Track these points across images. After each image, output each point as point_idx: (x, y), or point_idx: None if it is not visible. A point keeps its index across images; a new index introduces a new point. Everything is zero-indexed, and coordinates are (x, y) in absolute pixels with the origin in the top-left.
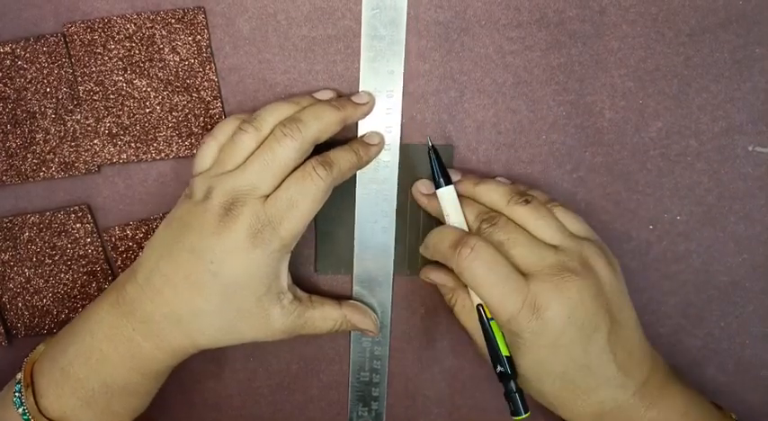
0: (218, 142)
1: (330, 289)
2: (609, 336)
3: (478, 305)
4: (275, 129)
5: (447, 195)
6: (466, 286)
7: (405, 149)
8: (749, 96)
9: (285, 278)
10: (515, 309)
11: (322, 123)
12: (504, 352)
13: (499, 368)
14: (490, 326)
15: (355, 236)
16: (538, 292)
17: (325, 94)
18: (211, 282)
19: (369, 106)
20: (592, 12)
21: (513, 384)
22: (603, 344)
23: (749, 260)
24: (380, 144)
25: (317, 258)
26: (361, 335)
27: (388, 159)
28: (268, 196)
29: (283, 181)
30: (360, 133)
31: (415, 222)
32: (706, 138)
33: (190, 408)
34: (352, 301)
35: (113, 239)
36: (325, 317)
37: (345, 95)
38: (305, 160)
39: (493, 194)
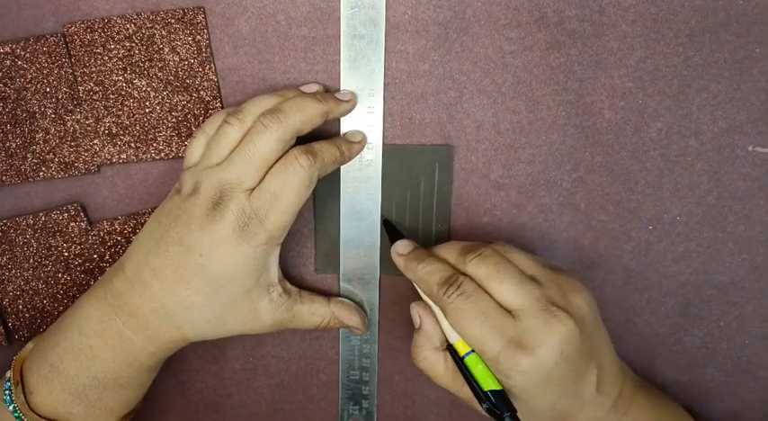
0: (208, 136)
1: (330, 288)
2: (592, 361)
3: (448, 345)
4: (256, 122)
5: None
6: (438, 346)
7: (393, 150)
8: (749, 96)
9: (275, 271)
10: (500, 345)
11: (304, 115)
12: (491, 385)
13: (484, 405)
14: (464, 362)
15: (341, 234)
16: (526, 329)
17: (312, 88)
18: (200, 276)
19: (351, 104)
20: (591, 12)
21: (507, 416)
22: (590, 370)
23: (749, 260)
24: (362, 142)
25: (317, 257)
26: (350, 334)
27: (372, 158)
28: (254, 189)
29: (268, 173)
30: (342, 131)
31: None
32: (706, 138)
33: (190, 408)
34: (340, 298)
35: (101, 234)
36: (312, 312)
37: (331, 92)
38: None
39: (448, 255)
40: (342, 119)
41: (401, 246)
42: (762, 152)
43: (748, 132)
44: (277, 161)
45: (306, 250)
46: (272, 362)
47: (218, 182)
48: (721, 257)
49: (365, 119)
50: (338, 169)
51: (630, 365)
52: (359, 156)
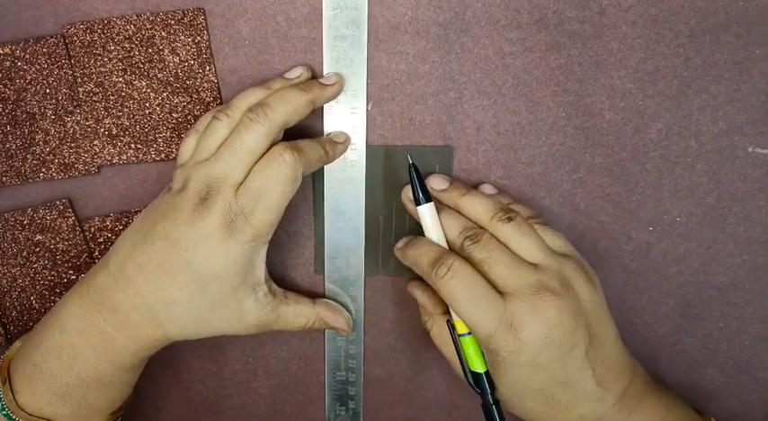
0: (199, 134)
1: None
2: (587, 353)
3: (447, 320)
4: (243, 117)
5: (426, 213)
6: (443, 312)
7: (393, 151)
8: (749, 97)
9: (262, 270)
10: (492, 327)
11: (289, 106)
12: (477, 368)
13: (470, 380)
14: (459, 341)
15: (325, 236)
16: (515, 312)
17: (296, 72)
18: (186, 271)
19: (337, 87)
20: (591, 13)
21: (489, 397)
22: (581, 361)
23: (749, 261)
24: (346, 142)
25: (316, 259)
26: (336, 335)
27: (355, 159)
28: (241, 184)
29: (252, 169)
30: (326, 132)
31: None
32: (706, 139)
33: (190, 409)
34: (325, 300)
35: (92, 230)
36: (298, 313)
37: (316, 77)
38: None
39: (478, 208)
40: (325, 119)
41: (401, 243)
42: (762, 153)
43: (748, 133)
44: (262, 157)
45: (306, 251)
46: (272, 362)
47: (205, 176)
48: (721, 258)
49: (348, 119)
50: (322, 170)
51: None
52: (342, 156)
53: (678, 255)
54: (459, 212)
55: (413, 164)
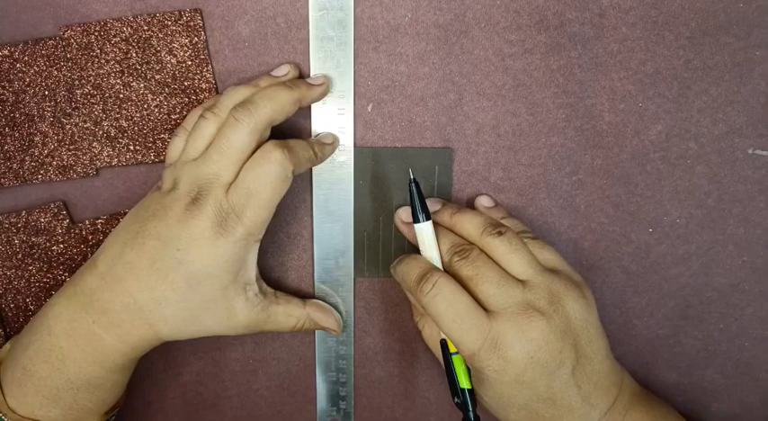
0: (188, 133)
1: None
2: (574, 371)
3: (442, 339)
4: (228, 115)
5: (424, 231)
6: None
7: (393, 153)
8: (749, 99)
9: (253, 269)
10: (476, 346)
11: (275, 104)
12: (464, 384)
13: (456, 399)
14: (452, 360)
15: (314, 236)
16: (500, 331)
17: (282, 70)
18: (177, 270)
19: (324, 87)
20: (591, 14)
21: (470, 415)
22: (567, 378)
23: (748, 263)
24: (334, 144)
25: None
26: (326, 335)
27: (343, 160)
28: (232, 183)
29: (243, 167)
30: (314, 133)
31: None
32: (706, 140)
33: (190, 410)
34: (315, 300)
35: (84, 232)
36: (288, 313)
37: (304, 76)
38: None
39: (468, 224)
40: (313, 120)
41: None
42: (762, 155)
43: (748, 135)
44: (252, 155)
45: (305, 254)
46: (272, 364)
47: (195, 177)
48: (721, 260)
49: (336, 120)
50: (310, 171)
51: (630, 367)
52: (331, 157)
53: (678, 256)
54: (452, 231)
55: (414, 179)
